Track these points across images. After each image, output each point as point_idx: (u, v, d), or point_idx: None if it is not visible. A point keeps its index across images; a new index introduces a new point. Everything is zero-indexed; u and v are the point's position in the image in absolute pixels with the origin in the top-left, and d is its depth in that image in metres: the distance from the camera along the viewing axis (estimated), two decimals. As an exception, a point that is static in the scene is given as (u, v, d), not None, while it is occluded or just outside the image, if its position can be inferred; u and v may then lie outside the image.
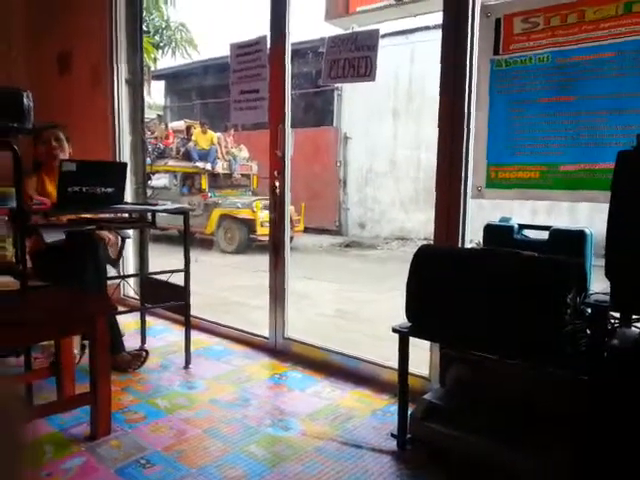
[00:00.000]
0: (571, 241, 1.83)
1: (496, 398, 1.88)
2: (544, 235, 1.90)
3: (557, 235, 1.87)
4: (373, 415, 2.26)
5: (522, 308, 1.62)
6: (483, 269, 1.74)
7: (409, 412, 1.99)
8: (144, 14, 3.97)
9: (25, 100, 2.27)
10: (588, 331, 1.62)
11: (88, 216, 2.60)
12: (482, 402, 1.91)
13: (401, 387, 1.98)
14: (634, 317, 1.49)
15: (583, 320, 1.63)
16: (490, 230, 2.01)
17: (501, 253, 1.76)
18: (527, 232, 1.98)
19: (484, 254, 1.83)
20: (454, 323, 1.78)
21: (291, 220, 7.37)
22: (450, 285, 1.79)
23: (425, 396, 2.04)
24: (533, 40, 1.87)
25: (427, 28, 7.39)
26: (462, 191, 2.16)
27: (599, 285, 1.69)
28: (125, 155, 3.76)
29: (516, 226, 1.96)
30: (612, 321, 1.54)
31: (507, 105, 1.96)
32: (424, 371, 2.37)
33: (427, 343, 2.30)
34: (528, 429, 1.75)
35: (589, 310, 1.63)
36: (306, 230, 9.42)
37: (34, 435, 1.88)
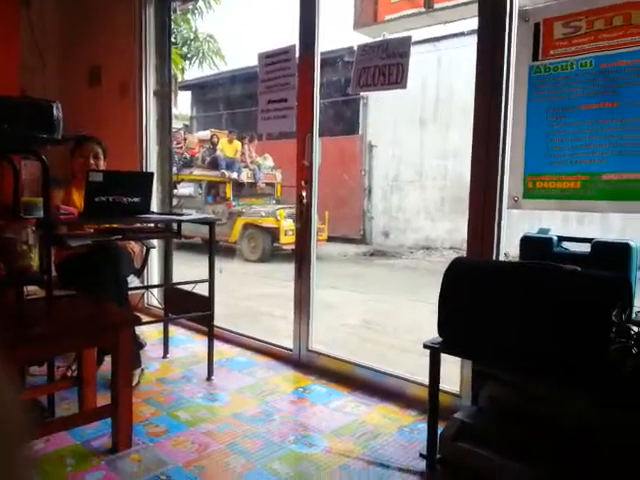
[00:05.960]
0: (614, 254, 1.73)
1: (532, 419, 1.78)
2: (585, 248, 1.81)
3: (599, 248, 1.77)
4: (400, 432, 2.17)
5: (563, 326, 1.53)
6: (521, 283, 1.66)
7: (439, 431, 1.90)
8: (172, 26, 3.99)
9: (55, 111, 2.27)
10: (634, 351, 1.53)
11: (114, 226, 2.59)
12: (517, 423, 1.82)
13: (431, 405, 1.89)
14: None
15: (629, 339, 1.53)
16: (527, 242, 1.92)
17: (541, 267, 1.67)
18: (567, 244, 1.89)
19: (523, 268, 1.74)
20: (489, 340, 1.69)
21: (315, 229, 7.36)
22: (485, 300, 1.70)
23: (456, 415, 1.95)
24: (575, 45, 1.78)
25: (455, 35, 7.31)
26: (497, 201, 2.07)
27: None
28: (152, 165, 3.78)
29: (555, 238, 1.86)
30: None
31: (546, 112, 1.87)
32: (453, 387, 2.28)
33: (457, 357, 2.21)
34: (566, 453, 1.64)
35: (635, 328, 1.53)
36: (330, 239, 9.36)
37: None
